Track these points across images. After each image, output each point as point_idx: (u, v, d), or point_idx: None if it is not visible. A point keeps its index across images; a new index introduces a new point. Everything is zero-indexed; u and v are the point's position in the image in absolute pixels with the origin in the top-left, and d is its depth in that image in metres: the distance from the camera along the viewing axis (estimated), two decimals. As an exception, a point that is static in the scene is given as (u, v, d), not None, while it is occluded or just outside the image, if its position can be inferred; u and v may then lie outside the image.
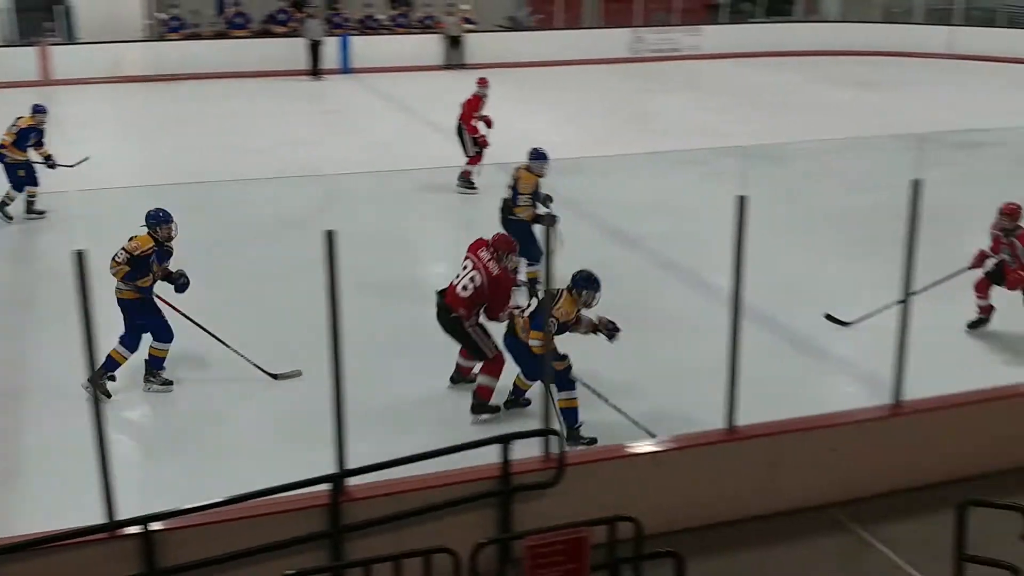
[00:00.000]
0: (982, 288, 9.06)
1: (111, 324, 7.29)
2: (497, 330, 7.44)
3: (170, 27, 24.44)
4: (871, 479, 6.48)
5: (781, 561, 5.97)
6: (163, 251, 7.74)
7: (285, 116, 19.76)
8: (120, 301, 7.67)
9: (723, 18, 28.99)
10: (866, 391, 7.55)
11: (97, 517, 5.00)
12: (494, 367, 7.49)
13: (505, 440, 5.60)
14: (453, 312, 7.47)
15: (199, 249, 9.55)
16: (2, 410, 7.71)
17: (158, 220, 7.67)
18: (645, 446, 6.20)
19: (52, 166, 12.44)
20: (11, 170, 12.28)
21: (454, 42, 25.63)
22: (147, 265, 7.61)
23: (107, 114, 19.80)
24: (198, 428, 7.54)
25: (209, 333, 8.10)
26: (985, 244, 8.95)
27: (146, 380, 7.95)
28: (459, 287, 7.50)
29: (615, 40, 26.87)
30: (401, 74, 24.35)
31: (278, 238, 11.59)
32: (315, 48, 24.18)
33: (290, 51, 24.14)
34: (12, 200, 12.34)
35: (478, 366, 7.71)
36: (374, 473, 5.45)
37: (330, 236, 4.95)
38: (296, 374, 8.11)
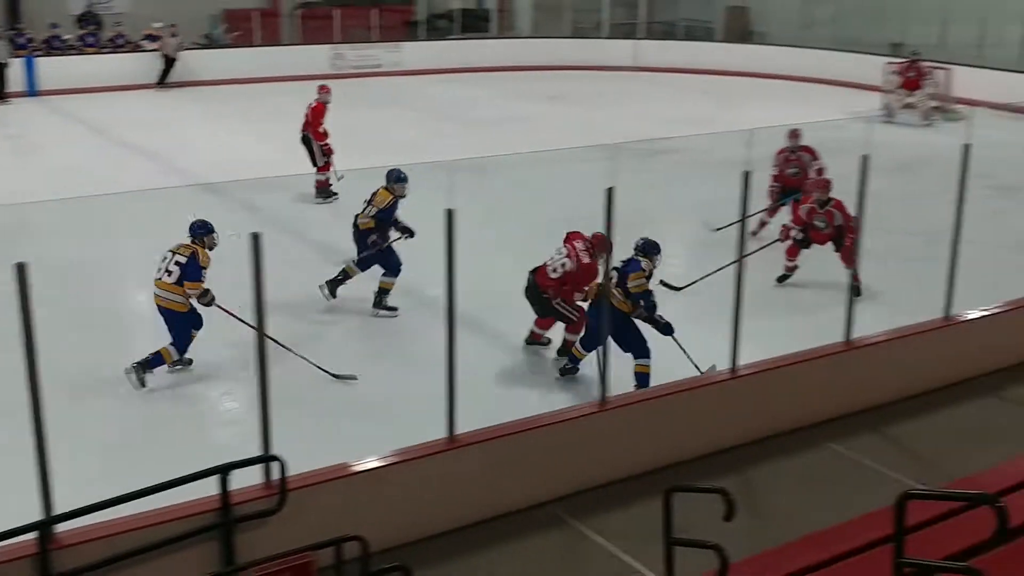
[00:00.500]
0: (792, 253, 10.78)
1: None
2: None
3: None
4: (586, 473, 6.78)
5: (506, 562, 6.12)
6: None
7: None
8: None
9: (421, 35, 29.48)
10: (580, 390, 7.91)
11: None
12: (577, 327, 8.59)
13: (223, 471, 5.42)
14: (541, 290, 8.60)
15: None
16: None
17: (206, 230, 8.32)
18: (368, 463, 6.18)
19: None
20: None
21: (170, 62, 24.86)
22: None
23: None
24: None
25: (269, 337, 8.49)
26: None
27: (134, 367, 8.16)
28: (549, 269, 8.60)
29: (316, 57, 26.68)
30: (95, 95, 23.08)
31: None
32: (0, 71, 22.64)
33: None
34: None
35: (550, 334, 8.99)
36: (87, 516, 5.13)
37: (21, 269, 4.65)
38: (352, 377, 8.17)
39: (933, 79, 21.52)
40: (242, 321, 7.53)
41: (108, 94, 23.30)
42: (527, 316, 9.20)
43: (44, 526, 4.99)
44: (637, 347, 8.02)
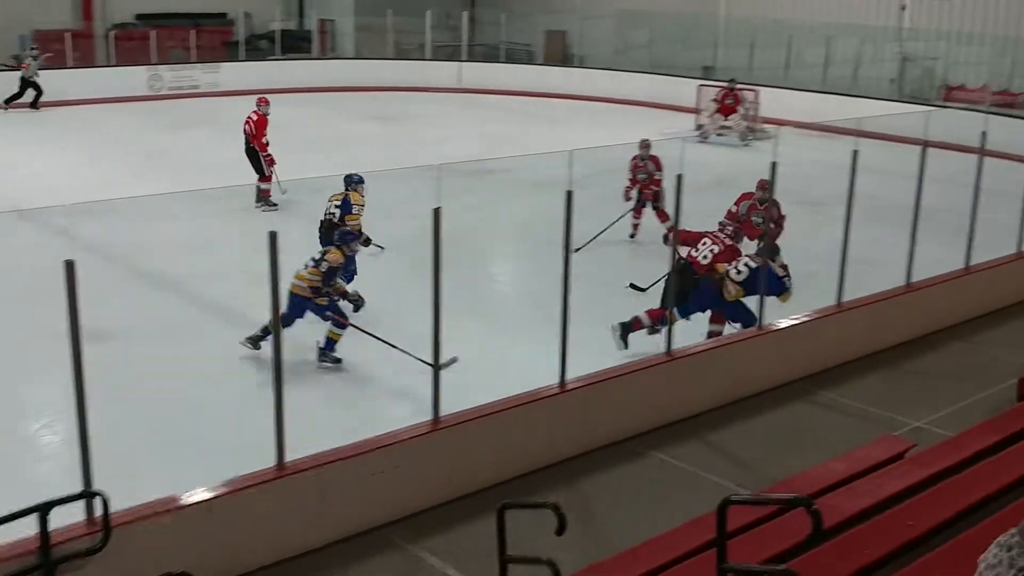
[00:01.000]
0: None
1: None
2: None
3: None
4: (420, 494, 6.76)
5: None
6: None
7: None
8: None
9: (241, 56, 28.93)
10: (411, 408, 7.89)
11: None
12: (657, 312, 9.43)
13: (42, 509, 5.15)
14: (695, 272, 9.39)
15: None
16: None
17: (354, 237, 9.34)
18: (196, 495, 5.99)
19: None
20: None
21: (30, 85, 24.02)
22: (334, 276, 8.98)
23: None
24: None
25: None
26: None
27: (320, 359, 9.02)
28: (700, 257, 9.46)
29: (132, 78, 25.87)
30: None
31: None
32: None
33: None
34: None
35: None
36: None
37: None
38: (454, 360, 7.71)
39: (747, 102, 22.56)
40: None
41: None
42: (357, 336, 9.11)
43: None
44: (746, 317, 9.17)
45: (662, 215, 13.00)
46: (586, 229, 12.17)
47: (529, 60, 31.52)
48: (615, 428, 7.81)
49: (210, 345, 9.64)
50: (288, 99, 26.27)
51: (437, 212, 6.25)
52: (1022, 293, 11.50)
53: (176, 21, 29.21)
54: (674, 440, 7.88)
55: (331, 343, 9.13)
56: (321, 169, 15.02)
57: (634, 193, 13.55)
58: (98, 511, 5.36)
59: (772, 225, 10.69)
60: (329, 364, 9.13)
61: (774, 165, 8.59)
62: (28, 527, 5.10)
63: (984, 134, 10.29)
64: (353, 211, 10.84)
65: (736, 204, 11.44)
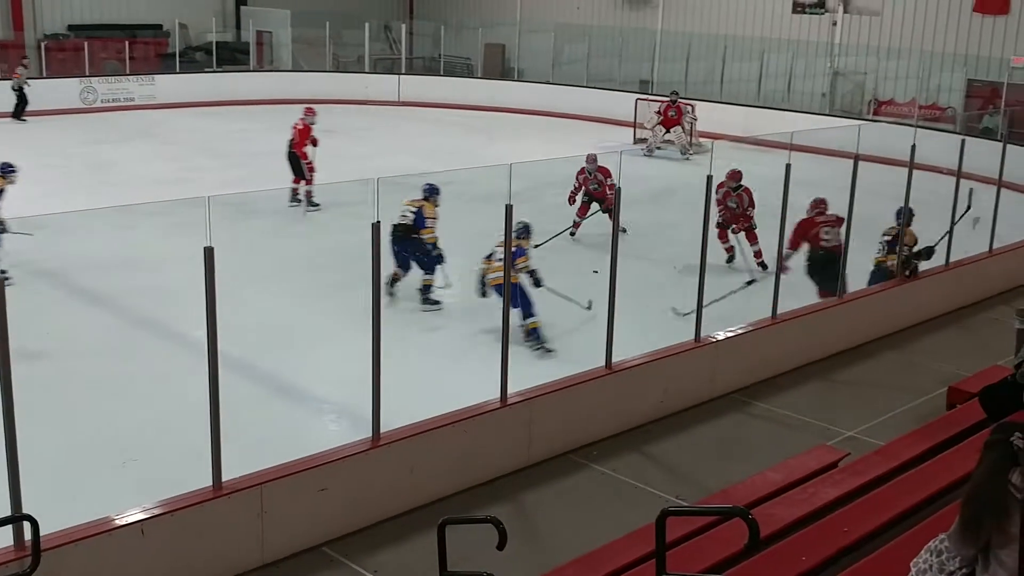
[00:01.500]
0: (723, 237, 13.09)
1: None
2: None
3: None
4: (361, 512, 6.73)
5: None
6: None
7: None
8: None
9: (176, 68, 28.61)
10: (349, 426, 7.84)
11: None
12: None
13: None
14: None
15: None
16: None
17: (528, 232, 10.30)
18: (129, 515, 5.89)
19: None
20: None
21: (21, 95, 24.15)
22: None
23: None
24: None
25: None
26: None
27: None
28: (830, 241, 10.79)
29: (64, 90, 25.46)
30: None
31: None
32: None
33: None
34: None
35: None
36: None
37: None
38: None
39: (688, 116, 22.81)
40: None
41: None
42: (292, 352, 9.05)
43: None
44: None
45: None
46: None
47: (468, 73, 31.57)
48: (556, 442, 7.83)
49: (144, 363, 9.50)
50: (223, 112, 26.15)
51: (210, 253, 5.85)
52: (953, 303, 11.76)
53: (110, 32, 28.73)
54: (614, 453, 7.92)
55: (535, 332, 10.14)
56: (244, 185, 14.87)
57: (579, 197, 14.57)
58: (28, 535, 5.26)
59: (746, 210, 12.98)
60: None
61: (709, 179, 8.70)
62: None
63: (913, 147, 10.52)
64: (427, 224, 11.33)
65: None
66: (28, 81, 24.43)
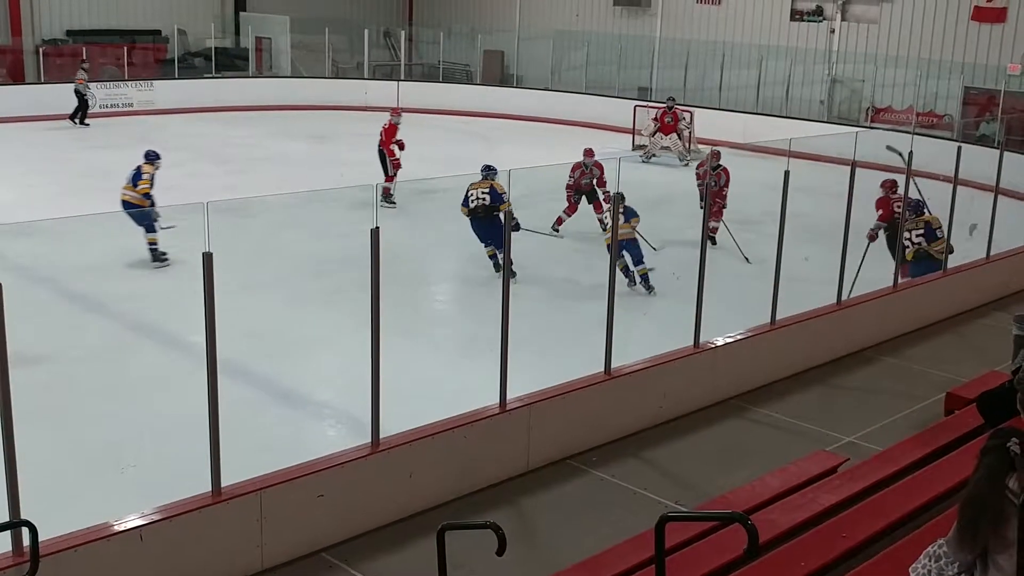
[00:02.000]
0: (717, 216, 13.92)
1: None
2: None
3: None
4: (360, 517, 6.72)
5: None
6: None
7: None
8: None
9: (175, 73, 28.63)
10: (348, 432, 7.84)
11: None
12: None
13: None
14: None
15: None
16: None
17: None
18: (128, 522, 5.89)
19: None
20: None
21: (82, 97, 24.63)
22: None
23: None
24: None
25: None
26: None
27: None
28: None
29: (63, 96, 25.46)
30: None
31: None
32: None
33: None
34: None
35: None
36: None
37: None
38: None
39: (686, 122, 22.85)
40: None
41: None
42: (295, 358, 9.06)
43: None
44: None
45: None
46: (527, 248, 12.25)
47: (467, 80, 31.60)
48: (555, 447, 7.83)
49: (143, 369, 9.50)
50: (221, 118, 26.14)
51: (209, 258, 5.82)
52: (950, 310, 11.77)
53: (108, 38, 28.76)
54: (613, 458, 7.92)
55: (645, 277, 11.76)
56: (243, 190, 14.87)
57: (573, 197, 15.08)
58: (26, 541, 5.25)
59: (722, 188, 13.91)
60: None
61: (707, 186, 8.71)
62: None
63: (911, 154, 10.54)
64: (504, 199, 12.19)
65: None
66: (89, 85, 24.93)
